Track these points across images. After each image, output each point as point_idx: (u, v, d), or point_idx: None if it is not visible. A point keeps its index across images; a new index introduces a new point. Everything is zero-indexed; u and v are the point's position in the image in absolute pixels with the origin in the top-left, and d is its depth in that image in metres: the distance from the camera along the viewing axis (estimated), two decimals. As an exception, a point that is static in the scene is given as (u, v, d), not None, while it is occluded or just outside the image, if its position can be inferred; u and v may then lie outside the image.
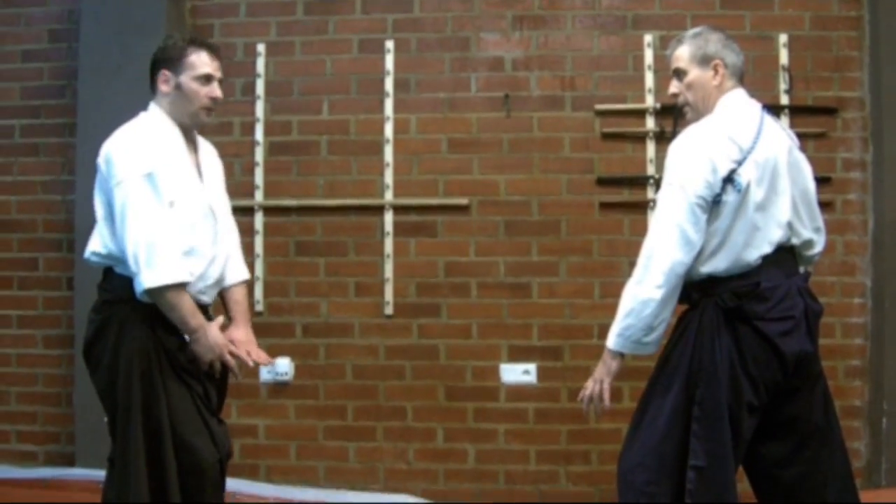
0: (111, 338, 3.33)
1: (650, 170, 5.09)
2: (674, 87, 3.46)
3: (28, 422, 5.27)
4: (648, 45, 5.17)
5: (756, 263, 3.26)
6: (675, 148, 3.30)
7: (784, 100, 5.13)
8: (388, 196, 5.16)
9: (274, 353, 5.08)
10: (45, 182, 5.33)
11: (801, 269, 3.50)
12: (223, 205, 3.73)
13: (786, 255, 3.36)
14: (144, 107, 4.91)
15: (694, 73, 3.39)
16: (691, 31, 3.48)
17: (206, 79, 3.48)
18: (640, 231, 5.00)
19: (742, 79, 3.47)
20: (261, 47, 5.24)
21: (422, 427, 5.13)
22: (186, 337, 3.40)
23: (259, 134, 5.21)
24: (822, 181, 5.06)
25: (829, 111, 5.16)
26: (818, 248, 3.53)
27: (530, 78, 5.19)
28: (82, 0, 5.19)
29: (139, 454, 3.25)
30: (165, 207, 3.29)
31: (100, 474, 3.66)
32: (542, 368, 5.10)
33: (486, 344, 5.10)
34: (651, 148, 5.09)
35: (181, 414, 3.34)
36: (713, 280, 3.28)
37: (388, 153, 5.17)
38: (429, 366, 5.15)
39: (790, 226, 3.34)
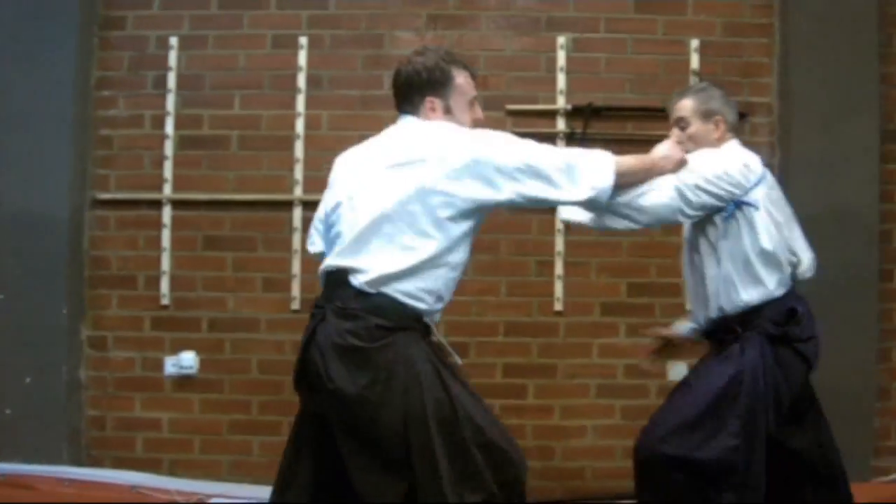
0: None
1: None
2: (675, 136, 3.62)
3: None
4: (561, 46, 5.21)
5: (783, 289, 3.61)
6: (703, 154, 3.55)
7: (694, 104, 5.18)
8: (298, 192, 5.17)
9: (179, 346, 5.16)
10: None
11: None
12: None
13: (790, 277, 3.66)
14: (52, 95, 5.01)
15: (696, 126, 3.63)
16: (696, 86, 3.78)
17: (473, 102, 3.30)
18: (548, 230, 5.08)
19: (737, 132, 3.74)
20: (173, 40, 5.22)
21: (327, 422, 5.14)
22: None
23: (169, 127, 5.20)
24: (729, 184, 5.16)
25: (738, 116, 5.20)
26: (807, 265, 3.84)
27: (443, 77, 5.21)
28: (-5, -13, 5.17)
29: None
30: None
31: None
32: (449, 366, 5.12)
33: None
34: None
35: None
36: (753, 310, 3.54)
37: (299, 149, 5.18)
38: (335, 361, 5.13)
39: (792, 249, 3.67)
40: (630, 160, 3.33)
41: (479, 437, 3.00)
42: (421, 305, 3.06)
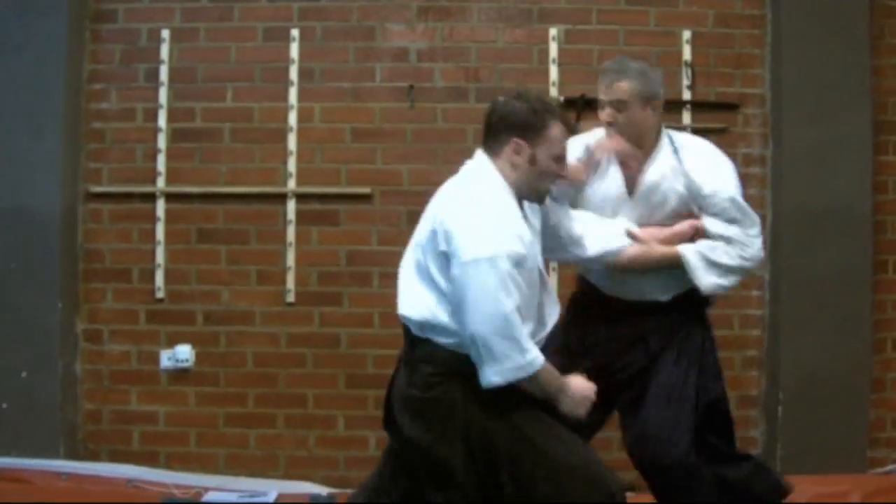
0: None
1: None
2: (608, 116, 3.52)
3: None
4: (553, 38, 5.20)
5: None
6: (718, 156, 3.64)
7: (686, 95, 5.20)
8: (291, 184, 5.16)
9: (174, 340, 5.17)
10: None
11: None
12: None
13: None
14: (44, 88, 5.00)
15: (635, 111, 3.50)
16: (635, 67, 3.53)
17: (561, 158, 3.15)
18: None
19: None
20: (165, 33, 5.20)
21: (323, 414, 5.16)
22: None
23: (162, 120, 5.18)
24: (721, 176, 5.17)
25: (730, 107, 5.23)
26: None
27: (435, 69, 5.21)
28: (-17, -20, 5.16)
29: None
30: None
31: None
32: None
33: (387, 333, 5.07)
34: (553, 140, 5.13)
35: None
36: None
37: (292, 141, 5.17)
38: (330, 354, 5.17)
39: None
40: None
41: (544, 463, 3.01)
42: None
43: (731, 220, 3.50)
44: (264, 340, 5.17)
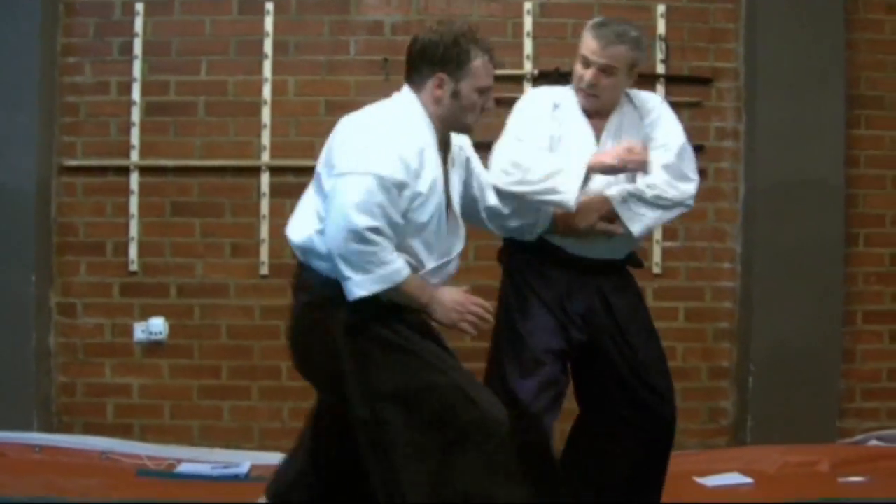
0: None
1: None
2: (592, 77, 3.46)
3: None
4: (528, 12, 5.21)
5: None
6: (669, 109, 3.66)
7: (660, 69, 5.22)
8: (265, 157, 5.16)
9: (148, 313, 5.17)
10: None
11: None
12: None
13: None
14: (18, 63, 4.98)
15: (621, 77, 3.48)
16: (633, 35, 3.47)
17: (486, 91, 3.11)
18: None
19: None
20: (139, 6, 5.17)
21: (297, 386, 5.07)
22: None
23: (136, 94, 5.17)
24: (695, 149, 5.16)
25: (704, 81, 5.26)
26: None
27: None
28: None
29: None
30: None
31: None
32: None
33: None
34: (528, 114, 5.13)
35: None
36: None
37: (266, 115, 5.16)
38: (304, 326, 5.16)
39: None
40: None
41: (425, 386, 3.01)
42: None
43: (671, 167, 3.52)
44: (238, 313, 5.17)
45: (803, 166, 5.13)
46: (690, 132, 5.08)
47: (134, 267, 5.18)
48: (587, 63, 3.47)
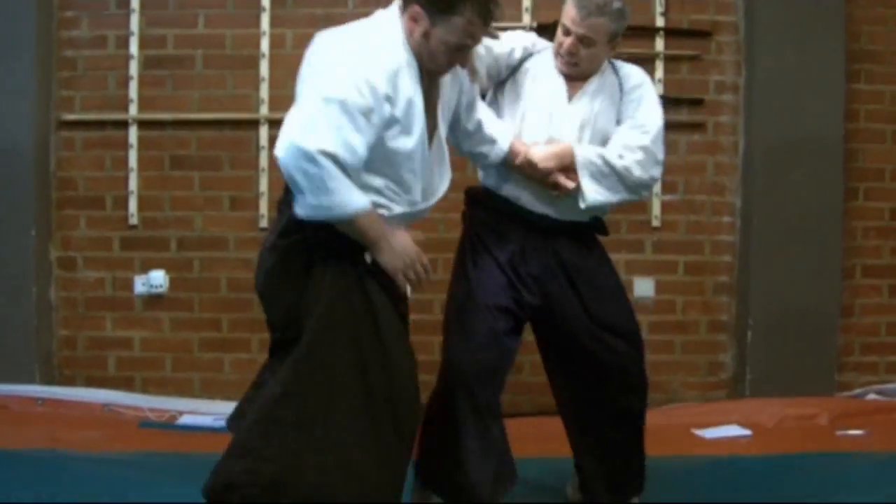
0: None
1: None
2: (571, 46, 3.35)
3: None
4: (527, -36, 5.19)
5: None
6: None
7: (659, 22, 5.20)
8: (263, 111, 5.15)
9: (148, 266, 5.19)
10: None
11: None
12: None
13: None
14: (15, 17, 4.95)
15: (601, 48, 3.38)
16: (616, 7, 3.33)
17: (457, 49, 2.84)
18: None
19: None
20: (137, -41, 5.16)
21: (297, 340, 5.17)
22: None
23: (134, 47, 5.15)
24: (694, 103, 5.22)
25: (703, 34, 5.23)
26: None
27: (407, -6, 5.18)
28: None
29: None
30: None
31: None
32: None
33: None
34: (527, 67, 5.11)
35: None
36: None
37: (264, 68, 5.15)
38: (303, 277, 5.17)
39: None
40: None
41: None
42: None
43: (647, 150, 3.43)
44: (238, 266, 5.18)
45: (803, 120, 5.12)
46: (689, 85, 5.17)
47: (134, 221, 5.18)
48: (566, 31, 3.36)
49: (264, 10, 5.14)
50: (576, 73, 3.43)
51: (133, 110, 5.16)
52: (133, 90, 5.16)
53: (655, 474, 3.88)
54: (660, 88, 5.17)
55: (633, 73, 3.55)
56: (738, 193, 5.24)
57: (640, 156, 3.39)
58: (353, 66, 2.68)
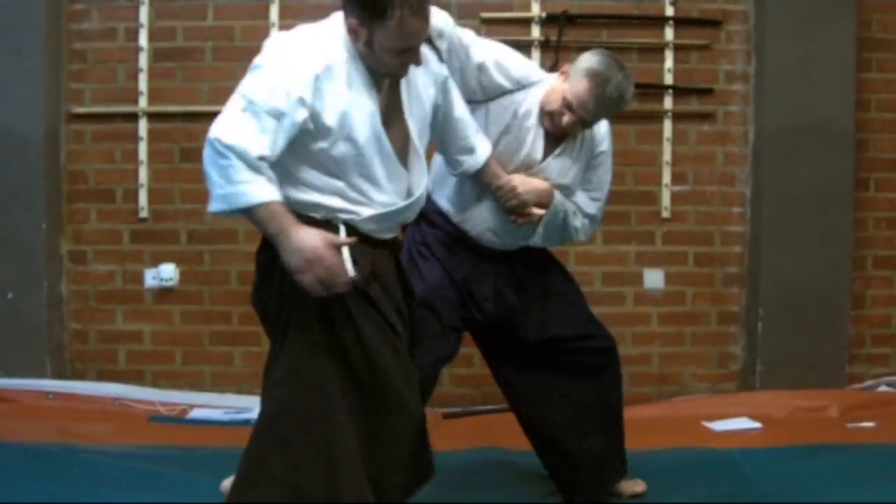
0: None
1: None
2: (571, 124, 3.33)
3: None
4: (537, -48, 5.17)
5: None
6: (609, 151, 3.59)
7: (669, 11, 5.18)
8: (272, 103, 5.14)
9: (159, 259, 5.19)
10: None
11: None
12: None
13: None
14: (24, 9, 4.95)
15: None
16: (628, 97, 3.35)
17: (405, 52, 2.72)
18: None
19: None
20: (146, -49, 5.16)
21: (307, 332, 5.17)
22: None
23: (143, 40, 5.15)
24: (704, 92, 5.19)
25: (713, 23, 5.21)
26: None
27: (416, -15, 5.16)
28: None
29: None
30: None
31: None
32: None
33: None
34: (536, 57, 5.10)
35: None
36: None
37: (273, 60, 5.14)
38: (313, 271, 5.16)
39: None
40: None
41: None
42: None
43: (594, 218, 3.60)
44: (248, 259, 5.00)
45: (813, 110, 5.09)
46: (699, 74, 5.16)
47: (144, 213, 5.19)
48: (570, 109, 3.31)
49: (273, 1, 5.14)
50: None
51: (143, 103, 5.16)
52: (143, 82, 5.16)
53: (665, 466, 3.90)
54: (669, 78, 5.17)
55: (604, 139, 3.56)
56: (747, 183, 5.23)
57: (586, 222, 3.55)
58: (274, 69, 2.68)
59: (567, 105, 3.30)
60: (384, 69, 2.75)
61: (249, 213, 2.68)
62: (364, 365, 2.77)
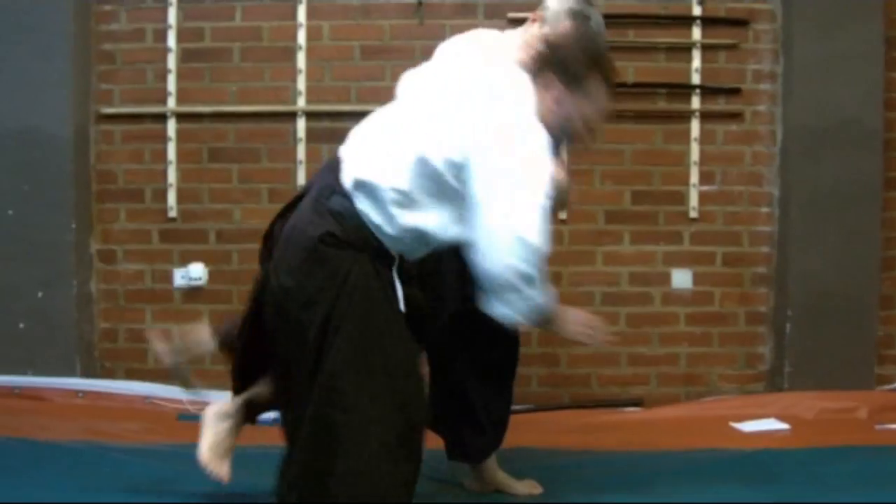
0: None
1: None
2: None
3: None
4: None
5: None
6: None
7: (696, 11, 5.17)
8: (301, 103, 5.17)
9: (188, 258, 5.23)
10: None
11: None
12: None
13: None
14: (53, 10, 4.99)
15: None
16: None
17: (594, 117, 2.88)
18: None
19: None
20: (173, -48, 5.19)
21: (334, 331, 5.18)
22: None
23: (171, 40, 5.18)
24: (732, 92, 5.18)
25: (740, 23, 5.19)
26: None
27: (444, -15, 5.17)
28: None
29: None
30: None
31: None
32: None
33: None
34: (563, 57, 5.09)
35: None
36: None
37: (301, 60, 5.16)
38: (340, 270, 5.18)
39: None
40: None
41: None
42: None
43: None
44: None
45: (841, 109, 5.06)
46: (727, 74, 5.15)
47: (173, 213, 5.22)
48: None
49: (301, 1, 5.15)
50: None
51: (171, 103, 5.19)
52: (171, 83, 5.19)
53: (693, 467, 3.89)
54: (697, 78, 5.16)
55: None
56: (775, 183, 5.21)
57: None
58: (544, 158, 2.64)
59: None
60: (565, 130, 2.90)
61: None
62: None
